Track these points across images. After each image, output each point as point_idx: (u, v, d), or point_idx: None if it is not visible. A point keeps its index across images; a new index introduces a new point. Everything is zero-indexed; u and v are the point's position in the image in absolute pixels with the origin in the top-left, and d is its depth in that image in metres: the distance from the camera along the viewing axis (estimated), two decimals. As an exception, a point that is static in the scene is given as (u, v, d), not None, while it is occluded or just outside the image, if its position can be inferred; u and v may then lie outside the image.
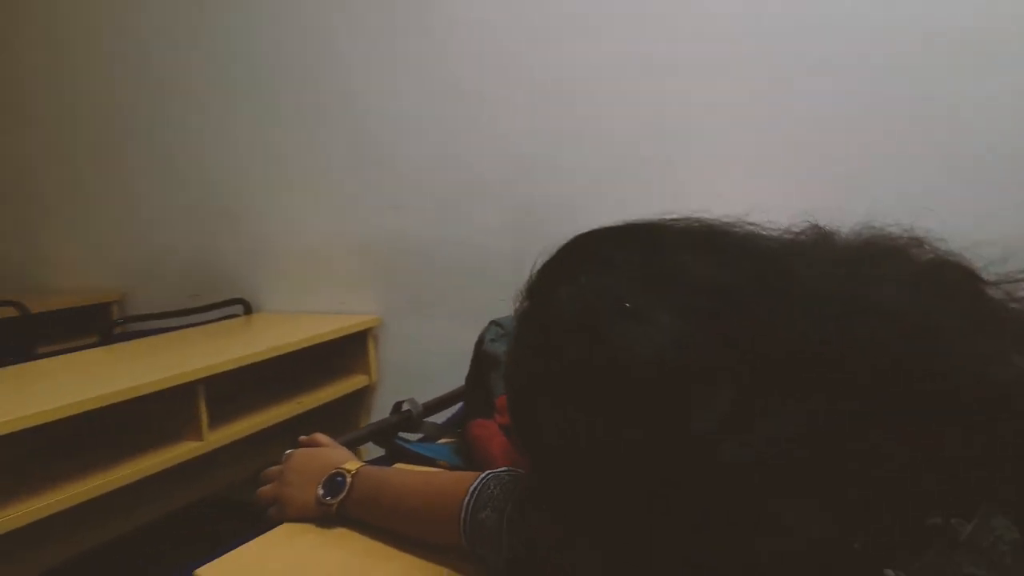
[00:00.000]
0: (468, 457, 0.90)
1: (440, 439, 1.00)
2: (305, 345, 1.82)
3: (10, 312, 2.04)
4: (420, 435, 1.01)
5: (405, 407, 1.01)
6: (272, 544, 0.72)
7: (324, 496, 0.75)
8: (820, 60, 1.50)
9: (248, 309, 2.24)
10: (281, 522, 0.76)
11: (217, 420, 1.62)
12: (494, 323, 1.02)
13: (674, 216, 0.59)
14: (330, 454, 0.81)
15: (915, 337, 0.46)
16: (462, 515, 0.64)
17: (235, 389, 1.83)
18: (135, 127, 2.41)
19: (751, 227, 0.57)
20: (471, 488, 0.65)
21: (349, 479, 0.75)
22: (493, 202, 1.86)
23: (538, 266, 0.60)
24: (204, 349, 1.79)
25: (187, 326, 2.10)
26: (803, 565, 0.42)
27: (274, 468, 0.81)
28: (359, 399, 2.04)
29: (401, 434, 0.97)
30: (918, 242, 0.62)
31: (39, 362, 1.82)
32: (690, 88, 1.62)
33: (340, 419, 2.04)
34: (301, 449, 0.83)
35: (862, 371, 0.44)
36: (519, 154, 1.82)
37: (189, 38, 2.25)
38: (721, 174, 1.62)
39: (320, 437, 0.85)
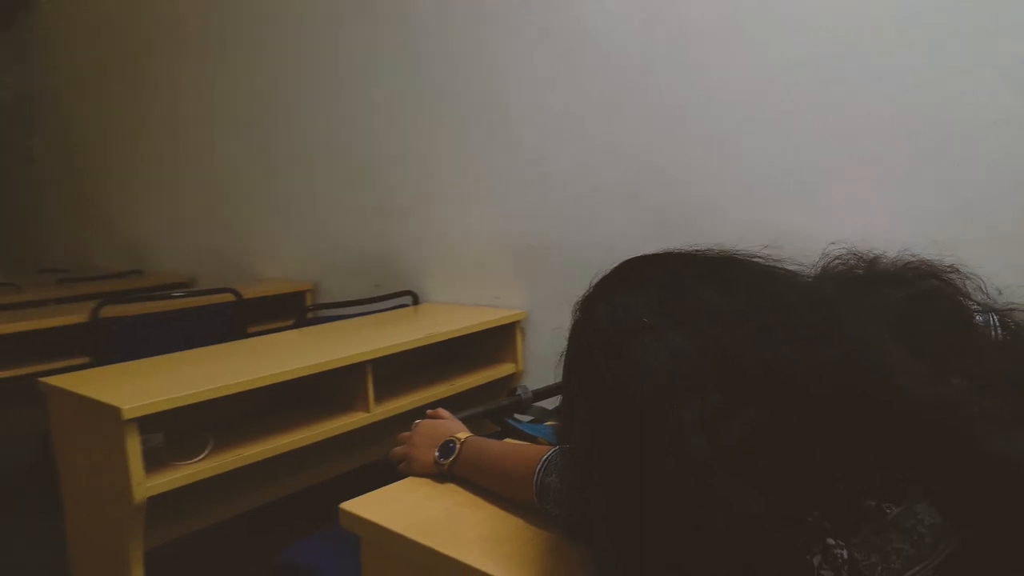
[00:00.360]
0: (564, 438, 1.06)
1: (546, 421, 1.17)
2: (458, 335, 2.06)
3: (228, 297, 2.48)
4: (530, 417, 1.18)
5: (517, 392, 1.18)
6: (398, 491, 0.93)
7: (439, 458, 0.94)
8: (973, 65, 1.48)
9: (416, 300, 2.53)
10: (407, 476, 0.96)
11: (382, 395, 1.90)
12: None
13: (704, 247, 0.70)
14: (448, 425, 1.01)
15: (866, 360, 0.55)
16: (535, 479, 0.80)
17: (400, 369, 2.11)
18: (330, 142, 2.78)
19: (766, 259, 0.67)
20: (543, 459, 0.81)
21: (458, 446, 0.94)
22: (632, 208, 1.99)
23: (594, 282, 0.74)
24: (375, 334, 2.08)
25: (365, 313, 2.43)
26: (757, 533, 0.54)
27: (405, 434, 1.01)
28: (505, 384, 2.25)
29: (516, 415, 1.15)
30: (940, 270, 0.69)
31: (248, 340, 2.21)
32: (829, 100, 1.65)
33: (487, 401, 2.27)
34: (427, 420, 1.03)
35: (816, 388, 0.55)
36: (657, 164, 1.93)
37: (386, 64, 2.57)
38: (864, 184, 1.63)
39: (442, 411, 1.05)
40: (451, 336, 2.02)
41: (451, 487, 0.93)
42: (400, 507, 0.88)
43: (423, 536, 0.81)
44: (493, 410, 1.14)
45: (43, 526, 1.85)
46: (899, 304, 0.62)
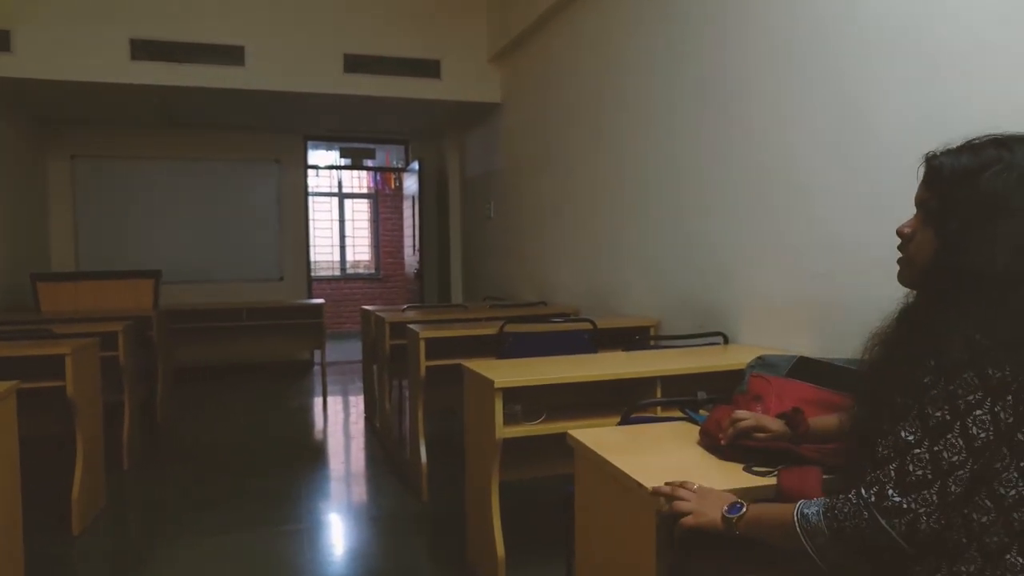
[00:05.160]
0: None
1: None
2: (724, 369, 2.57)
3: (587, 326, 3.38)
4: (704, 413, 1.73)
5: (697, 395, 1.75)
6: (590, 432, 1.63)
7: (727, 513, 1.19)
8: None
9: (726, 340, 3.09)
10: (690, 526, 1.22)
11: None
12: (759, 358, 1.66)
13: None
14: (722, 493, 1.25)
15: None
16: (795, 513, 1.10)
17: (686, 386, 2.71)
18: (670, 214, 3.53)
19: None
20: (798, 506, 1.11)
21: (746, 507, 1.18)
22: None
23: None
24: (673, 360, 2.73)
25: (684, 346, 3.09)
26: None
27: (685, 492, 1.25)
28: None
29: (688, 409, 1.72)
30: None
31: (591, 355, 3.06)
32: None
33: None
34: (703, 486, 1.27)
35: None
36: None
37: (716, 148, 3.25)
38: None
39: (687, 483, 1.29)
40: (722, 369, 2.56)
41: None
42: (585, 435, 1.59)
43: (601, 449, 1.51)
44: (679, 401, 1.75)
45: (457, 458, 2.94)
46: None
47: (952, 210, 1.14)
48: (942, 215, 1.15)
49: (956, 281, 1.09)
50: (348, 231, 10.42)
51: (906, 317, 1.19)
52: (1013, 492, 1.01)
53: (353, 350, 7.84)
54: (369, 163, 9.93)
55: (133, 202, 6.94)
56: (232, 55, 5.23)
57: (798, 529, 1.09)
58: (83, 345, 3.16)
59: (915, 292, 1.21)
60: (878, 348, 1.20)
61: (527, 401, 2.60)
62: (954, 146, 1.18)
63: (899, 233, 1.23)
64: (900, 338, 1.16)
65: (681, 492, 1.26)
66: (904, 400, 1.05)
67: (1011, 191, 1.08)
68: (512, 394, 2.46)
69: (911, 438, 1.02)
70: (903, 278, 1.22)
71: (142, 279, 5.33)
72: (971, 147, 1.15)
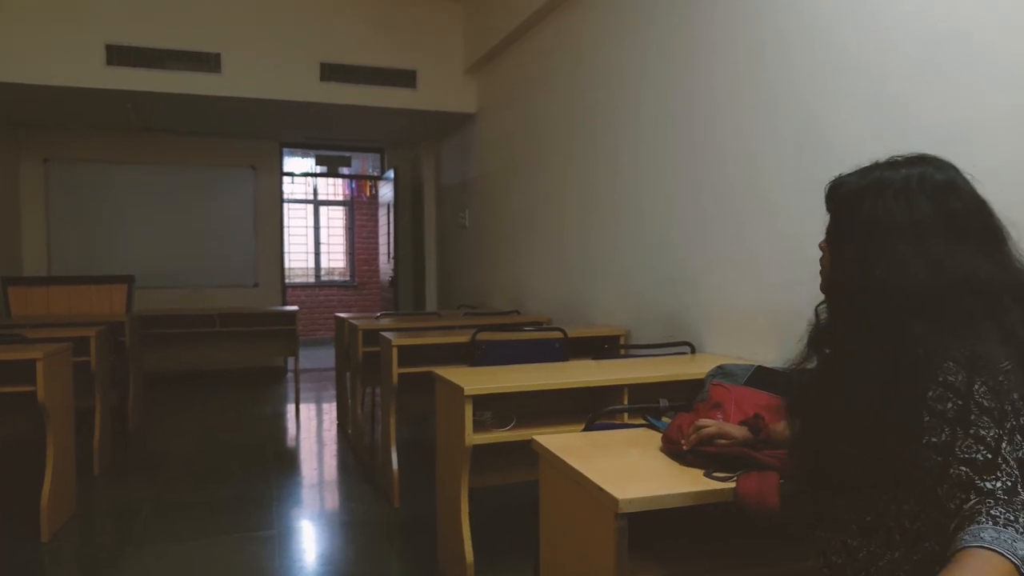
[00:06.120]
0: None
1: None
2: (689, 378, 2.66)
3: (558, 335, 3.44)
4: (665, 419, 1.80)
5: (660, 402, 1.82)
6: (550, 438, 1.69)
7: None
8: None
9: (693, 350, 3.17)
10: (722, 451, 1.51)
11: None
12: (719, 367, 1.74)
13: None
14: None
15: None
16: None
17: (653, 393, 2.78)
18: (639, 226, 3.61)
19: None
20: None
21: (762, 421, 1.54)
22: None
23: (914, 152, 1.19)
24: (641, 369, 2.80)
25: (653, 355, 3.17)
26: None
27: (707, 420, 1.57)
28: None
29: (650, 416, 1.80)
30: None
31: (562, 363, 3.13)
32: None
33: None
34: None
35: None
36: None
37: (685, 166, 3.34)
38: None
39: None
40: (676, 379, 2.64)
41: (582, 439, 1.66)
42: (550, 441, 1.65)
43: (564, 454, 1.57)
44: (642, 408, 1.82)
45: (430, 465, 2.99)
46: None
47: (839, 231, 1.21)
48: (832, 235, 1.23)
49: (864, 298, 1.11)
50: (323, 238, 10.40)
51: (843, 340, 1.20)
52: None
53: (327, 357, 7.84)
54: (345, 171, 9.93)
55: (107, 207, 6.88)
56: (208, 62, 5.23)
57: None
58: (55, 350, 3.16)
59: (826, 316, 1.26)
60: (818, 380, 1.25)
61: (498, 408, 2.65)
62: (858, 168, 1.22)
63: (819, 246, 1.29)
64: (848, 364, 1.16)
65: (702, 421, 1.54)
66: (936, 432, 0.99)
67: (891, 210, 1.12)
68: (482, 401, 2.52)
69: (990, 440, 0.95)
70: (821, 286, 1.29)
71: (115, 284, 5.31)
72: (862, 170, 1.20)
